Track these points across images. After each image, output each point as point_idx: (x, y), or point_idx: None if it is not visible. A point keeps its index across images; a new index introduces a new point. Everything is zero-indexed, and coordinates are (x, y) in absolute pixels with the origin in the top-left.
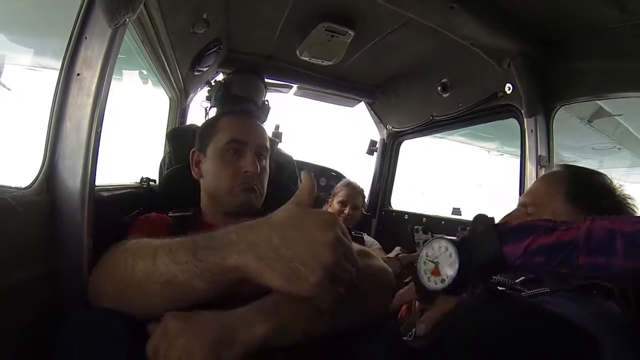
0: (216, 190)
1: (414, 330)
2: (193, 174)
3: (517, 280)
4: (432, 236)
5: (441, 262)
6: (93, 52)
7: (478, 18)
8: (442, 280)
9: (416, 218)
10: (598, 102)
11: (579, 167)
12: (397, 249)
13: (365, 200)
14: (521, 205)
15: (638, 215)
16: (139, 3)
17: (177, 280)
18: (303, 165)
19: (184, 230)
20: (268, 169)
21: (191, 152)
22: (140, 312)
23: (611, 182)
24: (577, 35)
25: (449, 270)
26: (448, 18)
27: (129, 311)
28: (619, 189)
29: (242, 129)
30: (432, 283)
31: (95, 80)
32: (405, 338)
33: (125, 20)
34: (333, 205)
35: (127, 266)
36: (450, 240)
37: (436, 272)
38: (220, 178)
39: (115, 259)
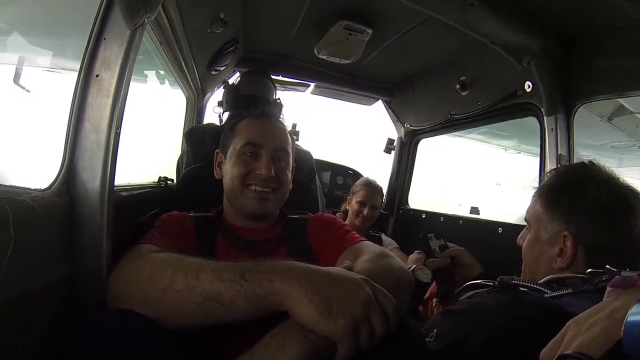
0: (230, 192)
1: (434, 331)
2: (215, 174)
3: (540, 281)
4: (444, 241)
5: None
6: (112, 53)
7: (498, 15)
8: None
9: (434, 217)
10: (619, 99)
11: (564, 167)
12: (416, 254)
13: (383, 199)
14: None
15: None
16: (157, 3)
17: (219, 297)
18: (321, 164)
19: (209, 230)
20: (289, 170)
21: (215, 152)
22: (169, 320)
23: (598, 170)
24: (597, 32)
25: None
26: (467, 15)
27: (154, 317)
28: (609, 175)
29: (259, 132)
30: None
31: (115, 81)
32: (427, 339)
33: (144, 20)
34: (352, 205)
35: (165, 276)
36: None
37: None
38: (234, 179)
39: (145, 266)
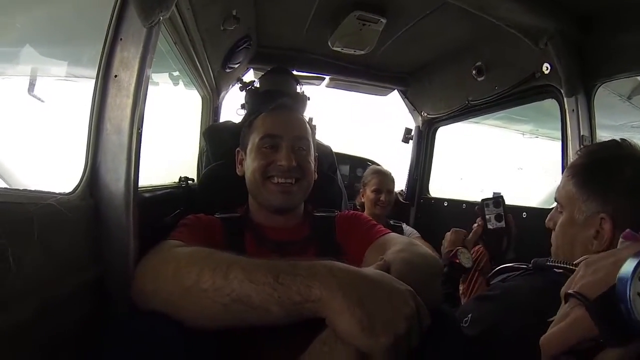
0: (253, 186)
1: (469, 316)
2: (237, 171)
3: (575, 262)
4: (503, 210)
5: None
6: (129, 53)
7: None
8: None
9: (456, 205)
10: (638, 77)
11: (596, 145)
12: (453, 233)
13: (395, 185)
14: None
15: None
16: (172, 1)
17: (249, 300)
18: (340, 157)
19: (237, 231)
20: (312, 159)
21: (236, 151)
22: (194, 321)
23: (632, 148)
24: (615, 9)
25: None
26: None
27: (178, 317)
28: None
29: (277, 123)
30: None
31: (134, 80)
32: (462, 325)
33: (160, 18)
34: (367, 195)
35: (191, 273)
36: None
37: None
38: (255, 172)
39: (171, 262)
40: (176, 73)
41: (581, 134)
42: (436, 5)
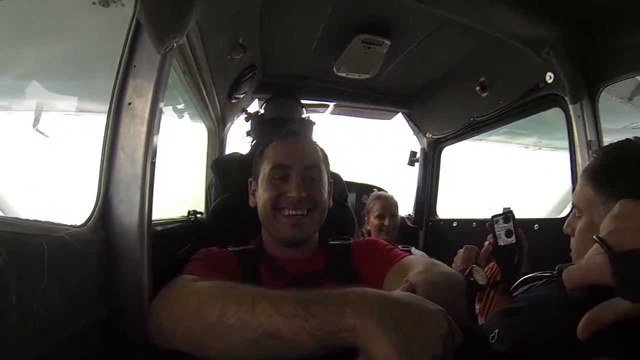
0: (265, 219)
1: (496, 332)
2: (250, 202)
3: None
4: (513, 225)
5: None
6: (143, 80)
7: (515, 9)
8: None
9: (465, 224)
10: (638, 78)
11: (610, 146)
12: (465, 250)
13: (399, 208)
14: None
15: None
16: (185, 27)
17: (279, 334)
18: (347, 184)
19: (252, 264)
20: (324, 188)
21: (248, 181)
22: (218, 358)
23: None
24: (614, 12)
25: None
26: (485, 12)
27: (201, 354)
28: None
29: (286, 153)
30: None
31: (148, 108)
32: (490, 342)
33: (173, 45)
34: (372, 222)
35: (215, 308)
36: None
37: None
38: (266, 204)
39: (190, 297)
40: (181, 106)
41: (588, 139)
42: (437, 24)
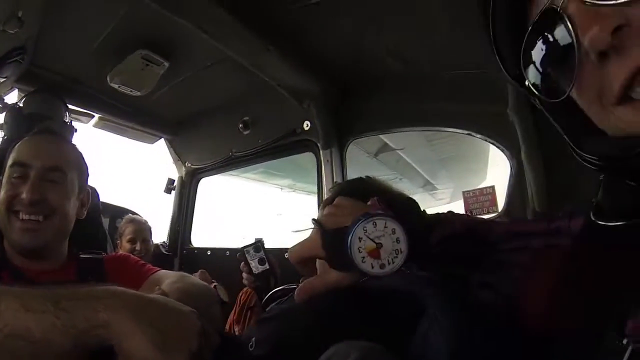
0: (1, 222)
1: (253, 339)
2: None
3: None
4: (264, 253)
5: (385, 244)
6: None
7: (288, 61)
8: (382, 266)
9: (219, 252)
10: (383, 138)
11: (344, 182)
12: (200, 274)
13: (153, 234)
14: None
15: None
16: None
17: (29, 334)
18: (102, 206)
19: None
20: (70, 195)
21: None
22: None
23: (376, 181)
24: (367, 80)
25: (395, 257)
26: (262, 59)
27: None
28: (386, 186)
29: (29, 151)
30: (368, 266)
31: None
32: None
33: None
34: (124, 246)
35: None
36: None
37: (375, 253)
38: (1, 205)
39: None
40: None
41: (335, 180)
42: (218, 58)
